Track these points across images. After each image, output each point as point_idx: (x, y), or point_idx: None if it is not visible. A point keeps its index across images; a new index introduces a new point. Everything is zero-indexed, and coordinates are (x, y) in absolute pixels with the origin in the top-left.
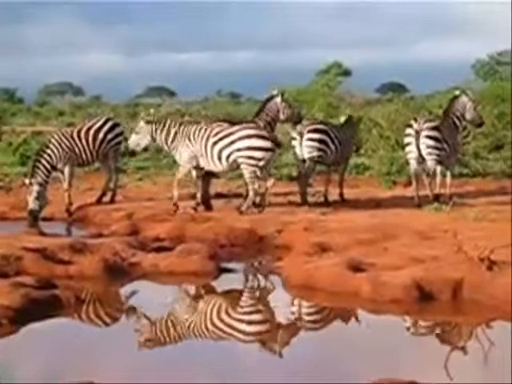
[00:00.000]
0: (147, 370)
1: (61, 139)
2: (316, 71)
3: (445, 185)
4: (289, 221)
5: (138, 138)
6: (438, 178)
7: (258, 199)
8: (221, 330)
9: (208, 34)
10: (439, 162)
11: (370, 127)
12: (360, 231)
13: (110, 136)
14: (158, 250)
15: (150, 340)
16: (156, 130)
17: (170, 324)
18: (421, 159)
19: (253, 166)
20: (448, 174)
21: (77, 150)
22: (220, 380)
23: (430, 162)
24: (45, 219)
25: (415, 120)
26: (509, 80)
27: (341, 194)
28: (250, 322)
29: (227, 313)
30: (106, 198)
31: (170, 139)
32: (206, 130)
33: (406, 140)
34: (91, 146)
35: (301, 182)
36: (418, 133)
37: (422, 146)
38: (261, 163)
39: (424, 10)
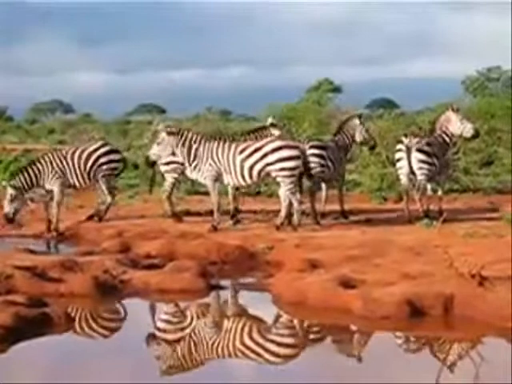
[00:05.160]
0: None
1: (53, 158)
2: (306, 88)
3: (435, 200)
4: (280, 237)
5: (160, 150)
6: (429, 194)
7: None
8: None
9: (198, 51)
10: (430, 178)
11: None
12: (351, 247)
13: (102, 160)
14: (149, 267)
15: (172, 367)
16: (177, 143)
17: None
18: (411, 175)
19: (289, 176)
20: (439, 189)
21: (68, 172)
22: None
23: (421, 177)
24: (35, 236)
25: (406, 136)
26: (498, 96)
27: (342, 211)
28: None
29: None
30: (96, 217)
31: (191, 157)
32: (229, 146)
33: (397, 155)
34: (82, 169)
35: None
36: (409, 148)
37: (414, 161)
38: (296, 172)
39: (415, 27)
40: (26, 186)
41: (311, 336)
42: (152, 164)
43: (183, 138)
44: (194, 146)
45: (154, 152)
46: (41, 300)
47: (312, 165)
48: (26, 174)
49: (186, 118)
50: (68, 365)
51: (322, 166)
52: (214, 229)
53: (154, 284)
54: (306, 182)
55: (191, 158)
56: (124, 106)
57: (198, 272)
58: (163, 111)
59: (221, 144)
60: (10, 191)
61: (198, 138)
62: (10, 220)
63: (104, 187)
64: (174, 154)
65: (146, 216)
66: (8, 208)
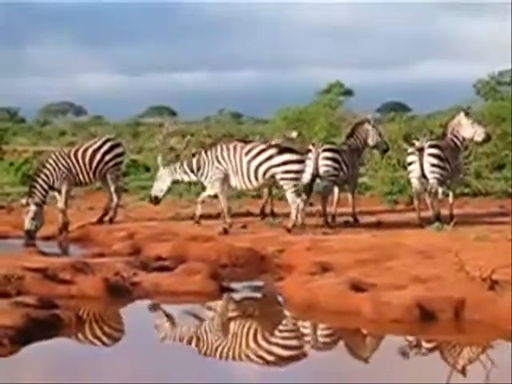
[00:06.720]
0: None
1: (58, 159)
2: (317, 91)
3: (447, 204)
4: (291, 240)
5: (160, 184)
6: (440, 198)
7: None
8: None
9: (209, 53)
10: (441, 182)
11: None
12: (362, 251)
13: (107, 157)
14: (160, 269)
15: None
16: (175, 169)
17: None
18: (423, 178)
19: (293, 179)
20: (450, 193)
21: (74, 170)
22: None
23: (432, 181)
24: (45, 238)
25: (417, 139)
26: (509, 100)
27: (354, 214)
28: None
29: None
30: (106, 218)
31: (194, 169)
32: (235, 149)
33: (409, 159)
34: (88, 167)
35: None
36: (421, 151)
37: (426, 165)
38: (300, 175)
39: (425, 29)
40: (44, 199)
41: (322, 339)
42: (156, 201)
43: (179, 164)
44: (194, 160)
45: (156, 189)
46: (51, 301)
47: (326, 168)
48: (39, 188)
49: (196, 120)
50: (78, 366)
51: (336, 169)
52: (225, 231)
53: (164, 286)
54: (319, 185)
55: (195, 170)
56: (135, 109)
57: (209, 274)
58: (174, 113)
59: (225, 147)
60: (34, 209)
61: (197, 152)
62: (32, 237)
63: (110, 182)
64: (177, 181)
65: (156, 218)
66: (30, 225)
